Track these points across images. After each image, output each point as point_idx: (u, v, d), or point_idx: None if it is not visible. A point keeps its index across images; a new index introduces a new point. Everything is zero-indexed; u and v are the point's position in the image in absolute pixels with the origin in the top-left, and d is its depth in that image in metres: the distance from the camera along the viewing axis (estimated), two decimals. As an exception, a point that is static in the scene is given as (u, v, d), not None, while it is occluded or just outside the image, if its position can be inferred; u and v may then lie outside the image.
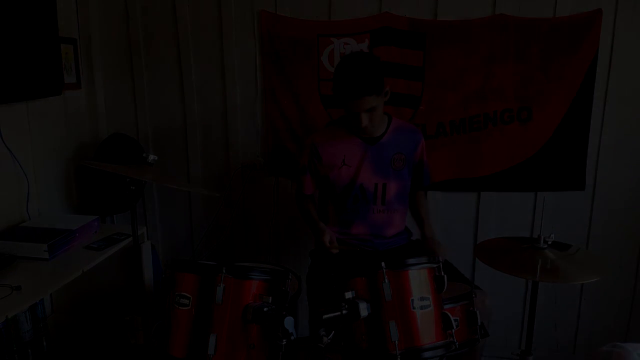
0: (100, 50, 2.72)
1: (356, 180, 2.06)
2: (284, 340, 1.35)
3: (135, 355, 2.43)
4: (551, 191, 2.51)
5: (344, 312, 1.41)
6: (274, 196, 2.71)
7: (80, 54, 2.61)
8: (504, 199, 2.57)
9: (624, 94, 2.41)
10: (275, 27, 2.52)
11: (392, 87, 2.03)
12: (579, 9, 2.34)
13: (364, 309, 1.42)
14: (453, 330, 1.46)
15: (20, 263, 1.96)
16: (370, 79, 1.89)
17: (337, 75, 1.97)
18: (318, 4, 2.49)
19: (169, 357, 1.45)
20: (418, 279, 1.47)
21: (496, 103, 2.47)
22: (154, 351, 1.49)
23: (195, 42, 2.63)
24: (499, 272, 1.68)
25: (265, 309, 1.40)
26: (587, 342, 2.67)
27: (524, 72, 2.42)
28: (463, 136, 2.52)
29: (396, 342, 1.40)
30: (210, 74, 2.65)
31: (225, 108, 2.68)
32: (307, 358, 1.91)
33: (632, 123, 2.44)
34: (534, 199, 2.56)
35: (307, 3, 2.49)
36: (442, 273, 1.49)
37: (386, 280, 1.44)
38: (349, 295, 1.43)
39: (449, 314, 1.47)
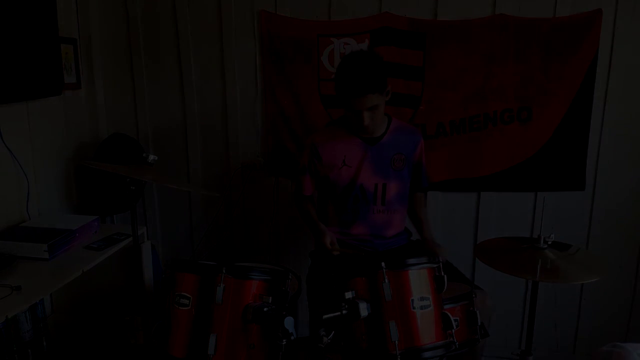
0: (100, 50, 2.72)
1: (356, 181, 2.06)
2: (284, 340, 1.36)
3: (135, 355, 2.43)
4: (551, 191, 2.51)
5: (344, 312, 1.41)
6: (274, 196, 2.71)
7: (80, 54, 2.61)
8: (504, 199, 2.57)
9: (624, 94, 2.41)
10: (275, 27, 2.52)
11: (392, 87, 2.03)
12: (579, 9, 2.34)
13: (364, 309, 1.42)
14: (453, 330, 1.46)
15: (20, 263, 1.96)
16: (373, 76, 1.89)
17: (340, 73, 1.97)
18: (318, 4, 2.49)
19: (169, 357, 1.45)
20: (418, 279, 1.47)
21: (496, 103, 2.47)
22: (154, 351, 1.49)
23: (195, 42, 2.63)
24: (499, 272, 1.68)
25: (265, 309, 1.40)
26: (587, 342, 2.67)
27: (524, 72, 2.42)
28: (463, 136, 2.52)
29: (396, 342, 1.40)
30: (210, 74, 2.65)
31: (225, 108, 2.68)
32: (307, 358, 1.91)
33: (632, 123, 2.44)
34: (534, 199, 2.56)
35: (307, 3, 2.49)
36: (442, 273, 1.49)
37: (386, 280, 1.44)
38: (349, 295, 1.43)
39: (449, 314, 1.47)
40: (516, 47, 2.40)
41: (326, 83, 2.52)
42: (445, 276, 1.49)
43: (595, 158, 2.49)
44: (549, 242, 1.76)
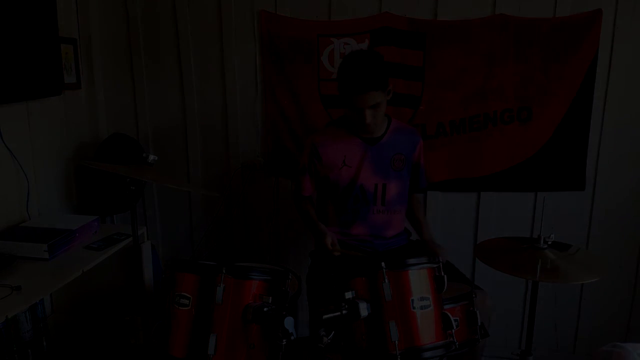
0: (100, 50, 2.72)
1: (356, 181, 2.06)
2: (284, 340, 1.35)
3: (135, 355, 2.43)
4: (551, 191, 2.51)
5: (344, 312, 1.41)
6: (274, 196, 2.71)
7: (80, 54, 2.61)
8: (504, 199, 2.57)
9: (624, 94, 2.41)
10: (275, 27, 2.52)
11: (392, 87, 2.03)
12: (579, 9, 2.34)
13: (364, 309, 1.42)
14: (453, 330, 1.46)
15: (20, 263, 1.96)
16: (376, 73, 1.90)
17: (342, 70, 1.97)
18: (318, 4, 2.49)
19: (169, 357, 1.45)
20: (418, 279, 1.47)
21: (496, 103, 2.47)
22: (154, 351, 1.49)
23: (195, 42, 2.63)
24: (499, 272, 1.68)
25: (265, 309, 1.40)
26: (587, 342, 2.67)
27: (524, 72, 2.42)
28: (463, 136, 2.52)
29: (396, 342, 1.40)
30: (210, 74, 2.65)
31: (225, 108, 2.68)
32: (307, 358, 1.91)
33: (632, 123, 2.44)
34: (534, 199, 2.56)
35: (307, 3, 2.49)
36: (442, 273, 1.49)
37: (386, 280, 1.44)
38: (349, 295, 1.43)
39: (449, 314, 1.47)
40: (516, 47, 2.40)
41: (326, 83, 2.52)
42: (445, 276, 1.49)
43: (595, 158, 2.49)
44: (549, 242, 1.76)
